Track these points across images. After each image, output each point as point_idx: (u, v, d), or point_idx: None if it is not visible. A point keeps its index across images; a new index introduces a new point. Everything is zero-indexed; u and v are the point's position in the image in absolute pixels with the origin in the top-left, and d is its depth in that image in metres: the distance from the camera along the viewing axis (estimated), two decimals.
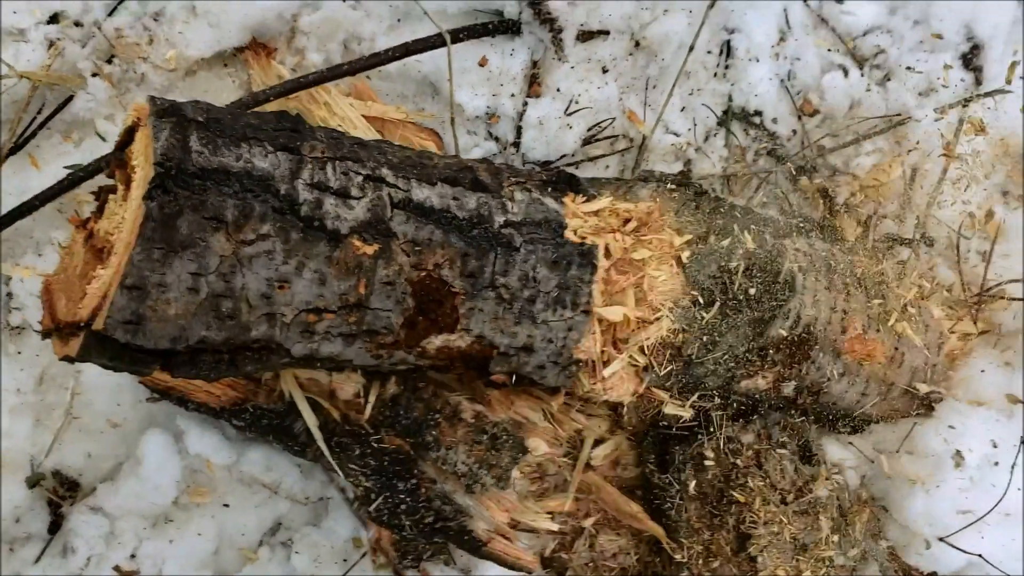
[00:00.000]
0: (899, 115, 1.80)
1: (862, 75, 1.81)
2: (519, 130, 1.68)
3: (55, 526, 1.55)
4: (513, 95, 1.68)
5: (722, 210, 1.50)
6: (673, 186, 1.50)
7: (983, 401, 1.69)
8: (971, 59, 1.80)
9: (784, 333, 1.43)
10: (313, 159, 1.08)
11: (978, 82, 1.80)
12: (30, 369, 1.55)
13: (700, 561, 1.51)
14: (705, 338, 1.40)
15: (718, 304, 1.39)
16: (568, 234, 1.27)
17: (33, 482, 1.52)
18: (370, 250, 1.08)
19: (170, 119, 0.99)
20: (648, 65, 1.73)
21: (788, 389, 1.51)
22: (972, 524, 1.60)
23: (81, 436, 1.58)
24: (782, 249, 1.46)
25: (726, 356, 1.41)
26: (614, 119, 1.72)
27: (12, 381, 1.54)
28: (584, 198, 1.37)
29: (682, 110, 1.76)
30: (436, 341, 1.19)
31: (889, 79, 1.81)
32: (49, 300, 1.09)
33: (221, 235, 0.99)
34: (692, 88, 1.76)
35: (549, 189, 1.31)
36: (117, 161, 1.06)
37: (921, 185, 1.82)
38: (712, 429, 1.55)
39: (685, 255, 1.41)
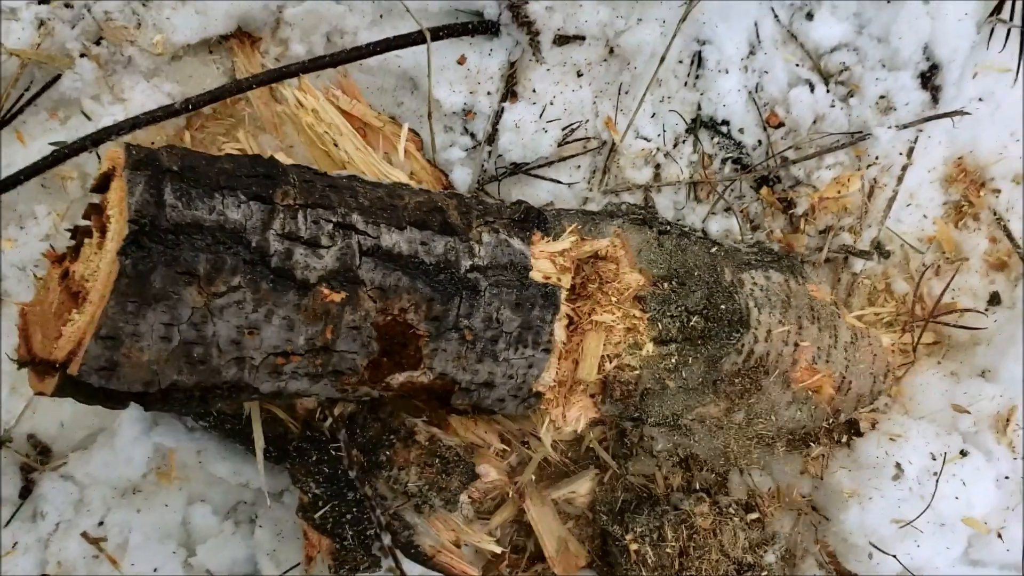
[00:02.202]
0: (860, 131, 1.87)
1: (827, 91, 1.88)
2: (495, 128, 1.74)
3: (26, 491, 1.59)
4: (490, 93, 1.74)
5: (683, 247, 1.54)
6: (639, 221, 1.53)
7: (925, 413, 1.77)
8: (929, 79, 1.87)
9: (737, 367, 1.50)
10: (285, 207, 1.09)
11: (935, 101, 1.88)
12: (8, 339, 1.60)
13: None
14: (661, 375, 1.46)
15: (675, 344, 1.45)
16: (533, 275, 1.31)
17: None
18: (337, 297, 1.11)
19: (144, 171, 1.01)
20: (621, 71, 1.80)
21: (738, 417, 1.59)
22: (904, 529, 1.67)
23: (54, 406, 1.62)
24: (739, 285, 1.52)
25: (680, 389, 1.48)
26: (587, 120, 1.78)
27: None
28: (550, 238, 1.39)
29: (653, 116, 1.82)
30: (399, 377, 1.23)
31: (852, 95, 1.89)
32: (25, 331, 1.10)
33: (193, 288, 1.02)
34: (663, 95, 1.83)
35: (516, 229, 1.34)
36: (92, 207, 1.07)
37: (877, 199, 1.90)
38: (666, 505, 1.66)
39: (646, 293, 1.45)
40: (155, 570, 1.61)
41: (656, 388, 1.46)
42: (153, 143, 1.65)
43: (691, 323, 1.45)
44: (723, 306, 1.48)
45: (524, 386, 1.34)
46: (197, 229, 1.01)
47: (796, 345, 1.59)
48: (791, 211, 1.89)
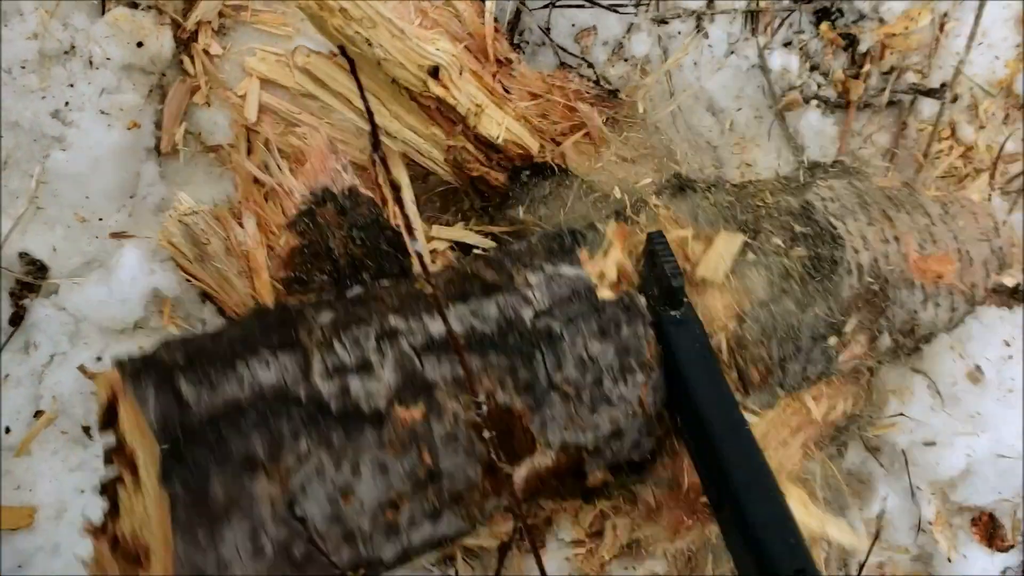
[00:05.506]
0: None
1: None
2: None
3: (17, 318, 1.44)
4: None
5: (742, 201, 1.35)
6: (679, 188, 1.33)
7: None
8: None
9: (855, 287, 1.32)
10: (317, 344, 0.93)
11: None
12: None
13: None
14: (786, 332, 1.26)
15: (782, 292, 1.26)
16: (601, 293, 1.10)
17: None
18: (418, 413, 0.95)
19: (148, 379, 0.85)
20: None
21: (884, 343, 1.40)
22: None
23: (46, 229, 1.47)
24: (809, 203, 1.34)
25: (814, 340, 1.29)
26: None
27: None
28: (597, 251, 1.17)
29: None
30: (522, 471, 1.05)
31: None
32: None
33: (261, 477, 0.85)
34: None
35: (559, 258, 1.13)
36: (111, 448, 0.90)
37: (948, 37, 1.74)
38: None
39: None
40: None
41: (787, 351, 1.26)
42: None
43: (788, 259, 1.27)
44: (808, 232, 1.29)
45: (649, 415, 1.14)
46: (235, 410, 0.85)
47: (896, 240, 1.41)
48: (853, 48, 1.73)
